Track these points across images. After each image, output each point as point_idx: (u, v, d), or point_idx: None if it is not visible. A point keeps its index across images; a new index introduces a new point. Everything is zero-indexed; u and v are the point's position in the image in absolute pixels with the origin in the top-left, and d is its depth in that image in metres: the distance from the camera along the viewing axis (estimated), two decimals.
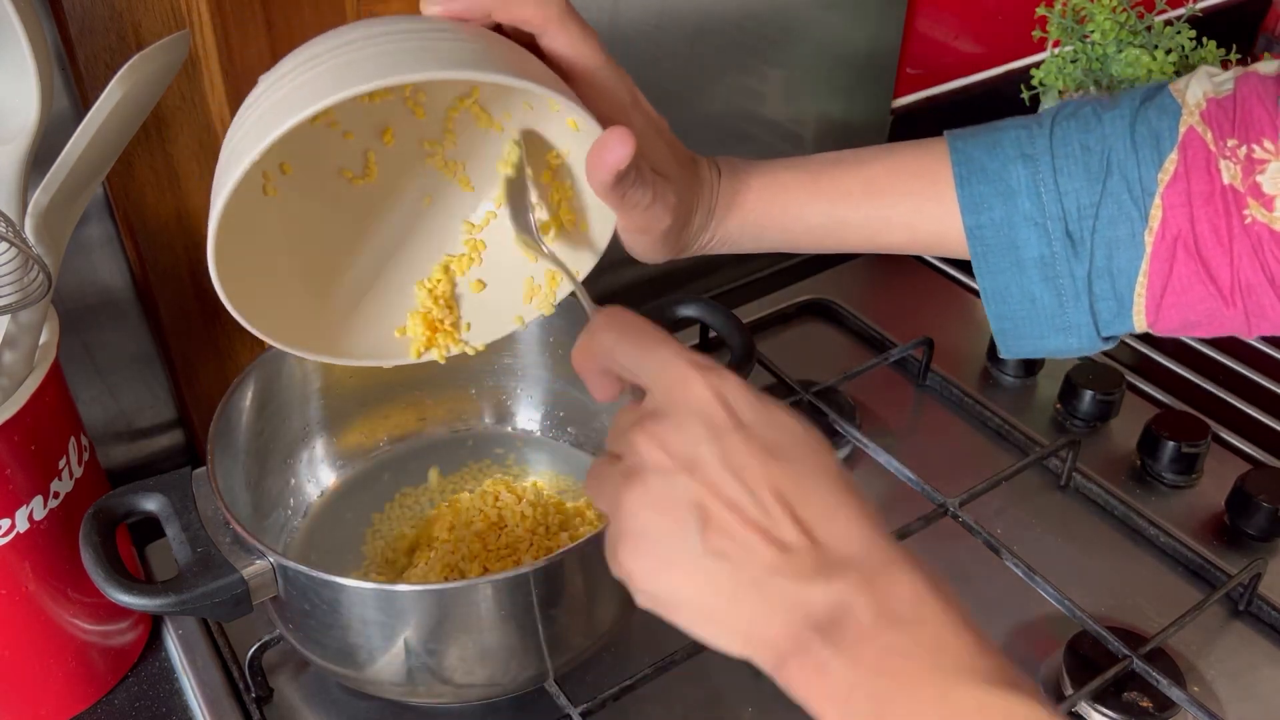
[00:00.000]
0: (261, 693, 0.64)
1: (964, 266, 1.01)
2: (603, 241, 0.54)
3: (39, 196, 0.52)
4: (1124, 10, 0.94)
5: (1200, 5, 1.19)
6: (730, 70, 0.92)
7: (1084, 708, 0.63)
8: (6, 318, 0.54)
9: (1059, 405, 0.87)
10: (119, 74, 0.50)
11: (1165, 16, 0.95)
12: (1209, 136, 0.51)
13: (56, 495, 0.58)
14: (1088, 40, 0.95)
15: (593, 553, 0.56)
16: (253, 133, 0.41)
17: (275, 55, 0.54)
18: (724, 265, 1.02)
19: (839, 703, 0.35)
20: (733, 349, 0.72)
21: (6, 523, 0.55)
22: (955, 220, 0.56)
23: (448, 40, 0.43)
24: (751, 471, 0.37)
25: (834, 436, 0.78)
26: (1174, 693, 0.62)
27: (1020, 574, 0.68)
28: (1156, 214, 0.51)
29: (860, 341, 0.95)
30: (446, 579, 0.65)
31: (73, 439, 0.59)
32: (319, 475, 0.75)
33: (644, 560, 0.38)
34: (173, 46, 0.53)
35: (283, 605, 0.58)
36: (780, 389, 0.83)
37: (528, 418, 0.79)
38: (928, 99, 1.11)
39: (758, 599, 0.36)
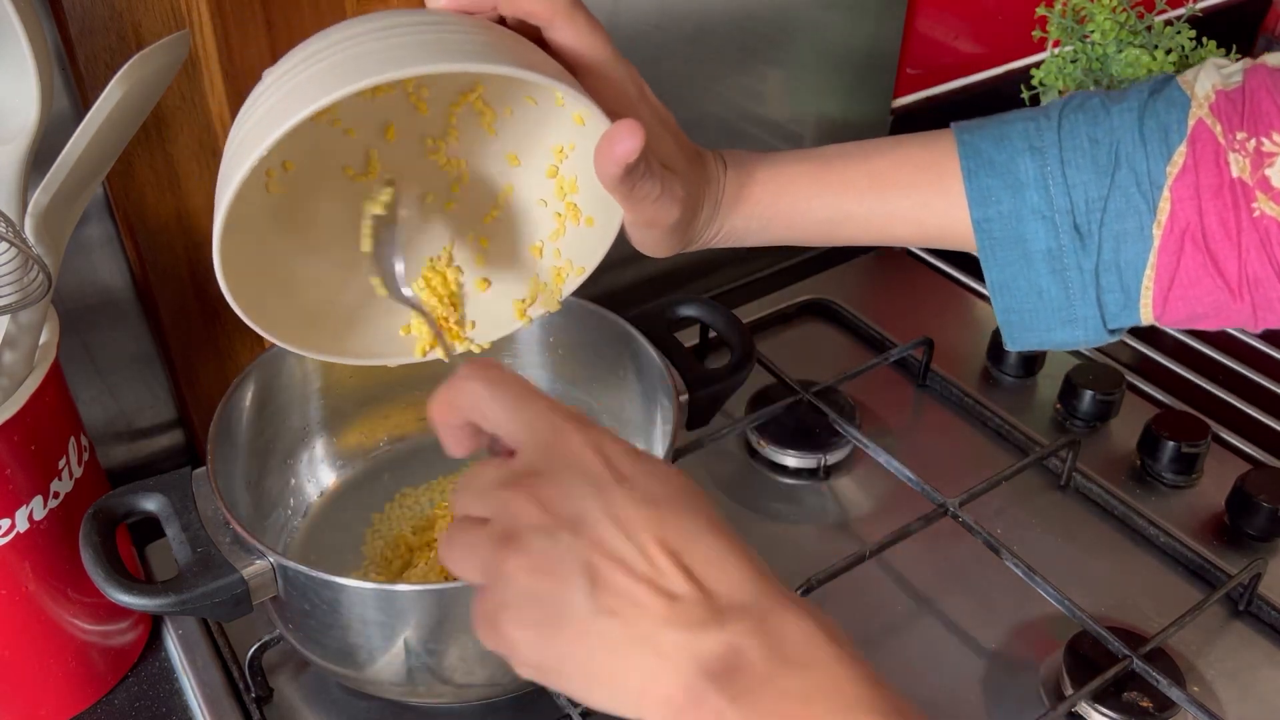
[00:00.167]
0: (261, 693, 0.64)
1: (964, 266, 1.02)
2: (610, 236, 0.53)
3: (39, 196, 0.52)
4: (1124, 10, 0.94)
5: (1200, 5, 1.19)
6: (730, 70, 0.91)
7: (1084, 708, 0.63)
8: (6, 318, 0.54)
9: (1059, 405, 0.87)
10: (119, 74, 0.50)
11: (1165, 16, 0.95)
12: (1218, 129, 0.50)
13: (56, 495, 0.58)
14: (1088, 40, 0.95)
15: None
16: (260, 127, 0.41)
17: (275, 55, 0.53)
18: (724, 265, 1.02)
19: None
20: (733, 349, 0.72)
21: (6, 523, 0.55)
22: (962, 213, 0.55)
23: (454, 33, 0.43)
24: (636, 525, 0.36)
25: (834, 436, 0.78)
26: (1174, 693, 0.62)
27: (1020, 574, 0.68)
28: (1165, 207, 0.51)
29: (860, 341, 0.95)
30: (446, 579, 0.65)
31: (73, 439, 0.59)
32: (319, 475, 0.75)
33: (530, 629, 0.36)
34: (173, 46, 0.53)
35: (283, 605, 0.58)
36: (780, 389, 0.83)
37: None
38: (928, 99, 1.11)
39: (650, 654, 0.35)
